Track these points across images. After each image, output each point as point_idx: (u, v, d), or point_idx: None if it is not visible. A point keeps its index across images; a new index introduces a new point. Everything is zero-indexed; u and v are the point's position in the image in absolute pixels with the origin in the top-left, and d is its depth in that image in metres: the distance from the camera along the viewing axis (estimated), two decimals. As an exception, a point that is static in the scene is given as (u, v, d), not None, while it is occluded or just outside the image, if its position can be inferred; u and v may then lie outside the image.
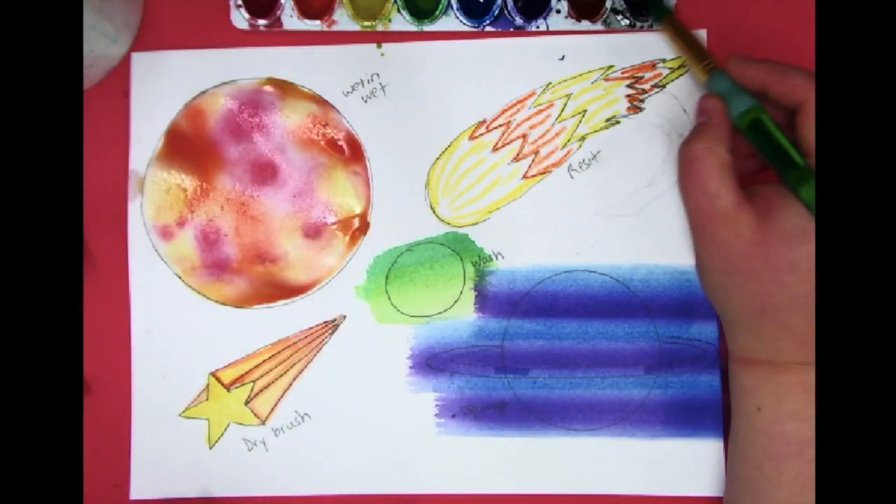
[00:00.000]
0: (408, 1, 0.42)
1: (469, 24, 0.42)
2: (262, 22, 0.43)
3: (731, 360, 0.36)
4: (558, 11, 0.42)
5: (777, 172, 0.34)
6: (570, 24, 0.42)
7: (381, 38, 0.43)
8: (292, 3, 0.42)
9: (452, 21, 0.42)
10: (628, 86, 0.42)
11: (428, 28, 0.42)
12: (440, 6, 0.42)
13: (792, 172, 0.32)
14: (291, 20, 0.43)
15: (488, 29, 0.42)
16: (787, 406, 0.33)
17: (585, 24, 0.42)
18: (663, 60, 0.42)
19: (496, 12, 0.42)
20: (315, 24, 0.43)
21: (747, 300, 0.33)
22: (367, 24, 0.42)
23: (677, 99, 0.42)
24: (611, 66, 0.42)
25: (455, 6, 0.42)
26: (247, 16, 0.43)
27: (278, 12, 0.43)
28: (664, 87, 0.42)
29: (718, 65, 0.37)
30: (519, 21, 0.42)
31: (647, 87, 0.42)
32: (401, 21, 0.42)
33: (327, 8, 0.43)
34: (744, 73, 0.35)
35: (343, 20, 0.43)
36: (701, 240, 0.34)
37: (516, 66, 0.42)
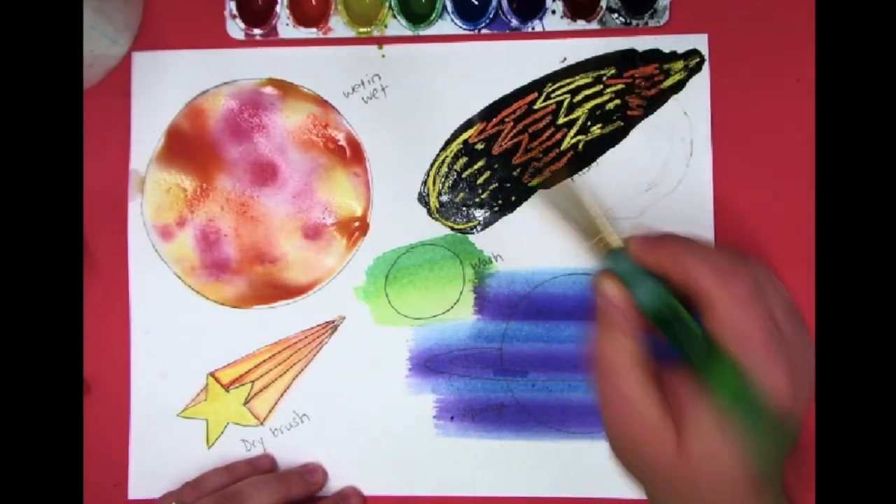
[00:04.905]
0: (403, 6, 0.42)
1: (465, 27, 0.42)
2: (257, 31, 0.43)
3: None
4: (553, 12, 0.42)
5: (690, 363, 0.31)
6: (566, 24, 0.42)
7: (378, 42, 0.43)
8: (287, 11, 0.42)
9: (448, 25, 0.42)
10: (629, 88, 0.42)
11: (424, 32, 0.42)
12: (435, 10, 0.42)
13: (711, 368, 0.29)
14: (287, 28, 0.43)
15: (484, 31, 0.42)
16: None
17: (581, 24, 0.42)
18: (664, 64, 0.42)
19: (492, 14, 0.42)
20: (311, 32, 0.43)
21: None
22: (362, 30, 0.42)
23: (678, 102, 0.42)
24: (612, 70, 0.42)
25: (450, 9, 0.42)
26: (242, 26, 0.43)
27: (274, 21, 0.43)
28: (665, 90, 0.42)
29: (611, 242, 0.33)
30: (515, 22, 0.42)
31: (647, 90, 0.42)
32: (396, 26, 0.42)
33: (322, 15, 0.42)
34: (644, 256, 0.32)
35: (339, 27, 0.42)
36: (621, 444, 0.31)
37: (517, 69, 0.42)
